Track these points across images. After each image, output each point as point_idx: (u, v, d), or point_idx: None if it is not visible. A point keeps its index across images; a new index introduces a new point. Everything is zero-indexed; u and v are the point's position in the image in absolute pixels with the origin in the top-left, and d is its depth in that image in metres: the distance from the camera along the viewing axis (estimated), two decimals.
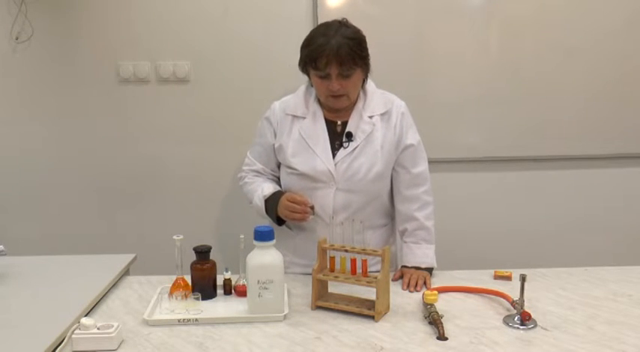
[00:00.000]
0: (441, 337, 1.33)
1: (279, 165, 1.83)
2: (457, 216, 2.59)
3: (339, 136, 1.75)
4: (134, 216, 2.59)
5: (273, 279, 1.43)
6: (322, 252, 1.52)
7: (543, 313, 1.45)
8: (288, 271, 1.71)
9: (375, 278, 1.44)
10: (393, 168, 1.78)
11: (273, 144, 1.79)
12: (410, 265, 1.74)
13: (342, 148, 1.73)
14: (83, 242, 2.51)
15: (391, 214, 1.86)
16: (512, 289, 1.55)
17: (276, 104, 1.82)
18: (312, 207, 1.69)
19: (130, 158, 2.56)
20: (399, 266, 1.80)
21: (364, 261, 1.49)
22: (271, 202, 1.74)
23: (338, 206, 1.72)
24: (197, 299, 1.51)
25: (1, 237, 2.03)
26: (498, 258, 2.26)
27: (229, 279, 1.59)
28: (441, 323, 1.36)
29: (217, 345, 1.31)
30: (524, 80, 2.52)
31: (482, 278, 1.70)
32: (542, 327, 1.38)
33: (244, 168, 1.88)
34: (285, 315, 1.44)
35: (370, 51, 1.69)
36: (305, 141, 1.73)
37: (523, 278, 1.41)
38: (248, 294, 1.46)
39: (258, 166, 1.85)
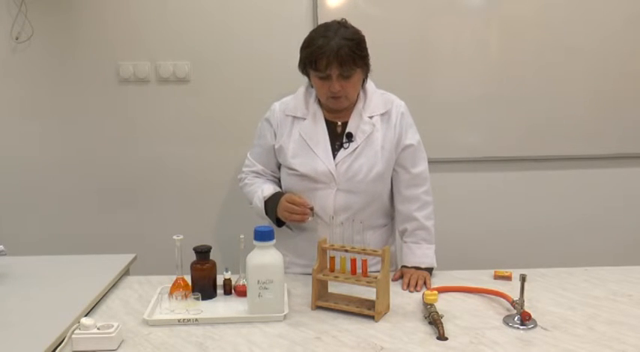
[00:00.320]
0: (441, 337, 1.33)
1: (279, 166, 1.83)
2: (457, 216, 2.59)
3: (339, 137, 1.75)
4: (134, 216, 2.59)
5: (273, 279, 1.43)
6: (322, 252, 1.52)
7: (543, 313, 1.45)
8: (288, 271, 1.71)
9: (375, 278, 1.44)
10: (393, 168, 1.78)
11: (274, 146, 1.79)
12: (410, 265, 1.74)
13: (342, 149, 1.73)
14: (83, 242, 2.51)
15: (391, 214, 1.86)
16: (512, 289, 1.55)
17: (276, 105, 1.82)
18: (312, 209, 1.69)
19: (130, 158, 2.56)
20: (399, 266, 1.80)
21: (364, 261, 1.49)
22: (271, 203, 1.74)
23: (339, 206, 1.72)
24: (197, 299, 1.51)
25: (1, 237, 2.04)
26: (498, 258, 2.26)
27: (229, 279, 1.59)
28: (441, 323, 1.36)
29: (217, 345, 1.31)
30: (524, 80, 2.52)
31: (482, 278, 1.70)
32: (542, 327, 1.38)
33: (244, 169, 1.88)
34: (285, 315, 1.44)
35: (370, 51, 1.68)
36: (305, 142, 1.73)
37: (523, 278, 1.41)
38: (248, 294, 1.45)
39: (259, 167, 1.85)
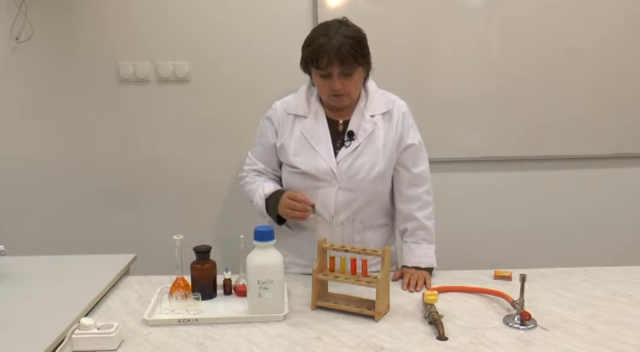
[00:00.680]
0: (441, 337, 1.33)
1: (280, 165, 1.83)
2: (457, 216, 2.59)
3: (340, 135, 1.75)
4: (134, 216, 2.59)
5: (273, 279, 1.43)
6: (322, 251, 1.52)
7: (543, 313, 1.45)
8: (288, 271, 1.71)
9: (375, 278, 1.44)
10: (394, 168, 1.78)
11: (275, 144, 1.79)
12: (410, 265, 1.74)
13: (343, 147, 1.73)
14: (83, 242, 2.51)
15: (391, 214, 1.86)
16: (512, 289, 1.55)
17: (278, 104, 1.82)
18: (313, 206, 1.69)
19: (130, 158, 2.56)
20: (399, 266, 1.80)
21: (364, 261, 1.49)
22: (272, 201, 1.74)
23: (340, 205, 1.72)
24: (197, 299, 1.51)
25: (1, 237, 2.04)
26: (498, 258, 2.26)
27: (229, 279, 1.59)
28: (441, 323, 1.36)
29: (217, 345, 1.31)
30: (524, 80, 2.52)
31: (482, 278, 1.70)
32: (542, 327, 1.38)
33: (245, 167, 1.88)
34: (285, 315, 1.44)
35: (370, 51, 1.69)
36: (307, 141, 1.74)
37: (523, 278, 1.41)
38: (248, 294, 1.45)
39: (260, 166, 1.85)
